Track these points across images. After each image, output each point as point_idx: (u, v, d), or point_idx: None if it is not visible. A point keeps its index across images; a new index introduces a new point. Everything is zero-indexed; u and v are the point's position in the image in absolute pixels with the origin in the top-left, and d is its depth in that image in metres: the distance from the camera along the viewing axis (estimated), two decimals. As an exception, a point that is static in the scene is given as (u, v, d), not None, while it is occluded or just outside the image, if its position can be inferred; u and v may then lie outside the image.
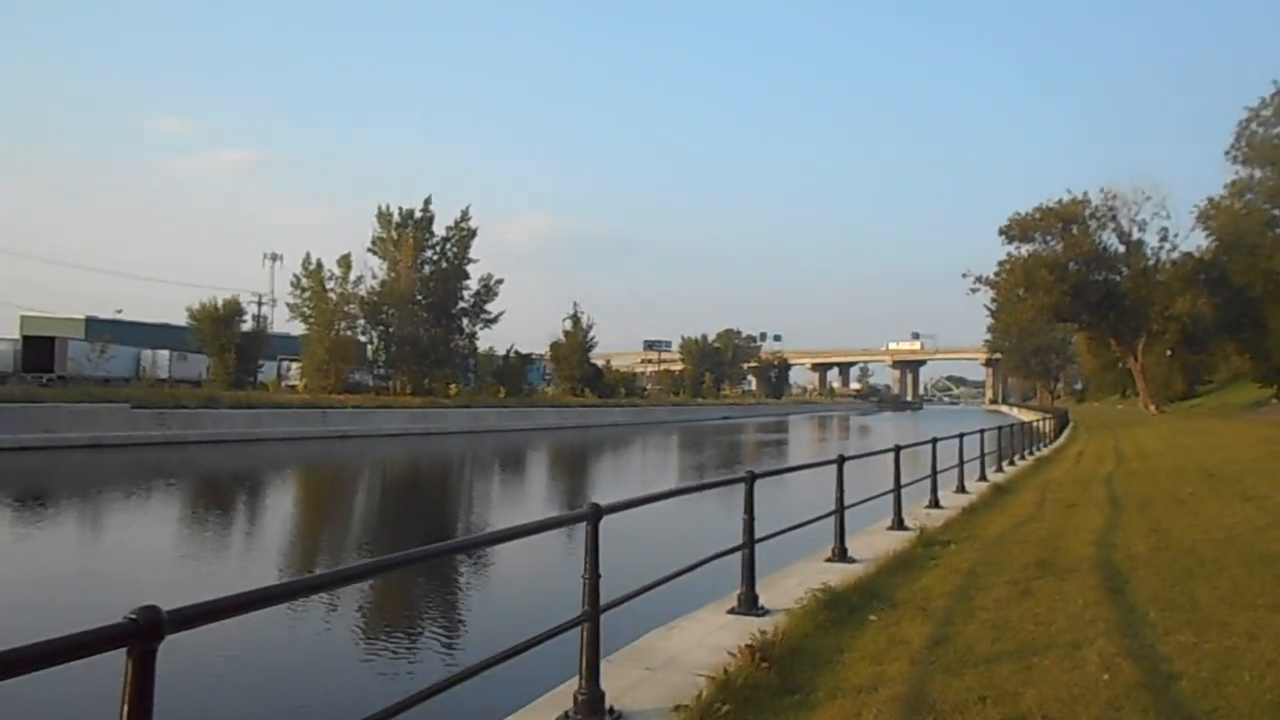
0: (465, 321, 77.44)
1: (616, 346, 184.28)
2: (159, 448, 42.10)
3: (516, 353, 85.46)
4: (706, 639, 6.96)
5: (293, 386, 69.90)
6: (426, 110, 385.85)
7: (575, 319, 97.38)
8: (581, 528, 5.03)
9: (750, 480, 7.84)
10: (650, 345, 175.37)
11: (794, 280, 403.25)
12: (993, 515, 14.42)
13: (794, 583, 9.06)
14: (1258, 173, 60.91)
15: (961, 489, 17.89)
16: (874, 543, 11.68)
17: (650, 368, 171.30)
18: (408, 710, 3.47)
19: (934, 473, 15.68)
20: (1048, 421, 45.91)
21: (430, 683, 3.76)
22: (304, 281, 68.13)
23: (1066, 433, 47.26)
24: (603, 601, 5.07)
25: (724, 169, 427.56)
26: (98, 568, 17.02)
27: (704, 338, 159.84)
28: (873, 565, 9.94)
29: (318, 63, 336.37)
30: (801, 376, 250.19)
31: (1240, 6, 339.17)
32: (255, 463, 40.10)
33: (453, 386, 75.79)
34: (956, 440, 18.52)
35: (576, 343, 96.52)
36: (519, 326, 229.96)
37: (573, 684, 5.17)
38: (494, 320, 78.13)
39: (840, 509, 10.41)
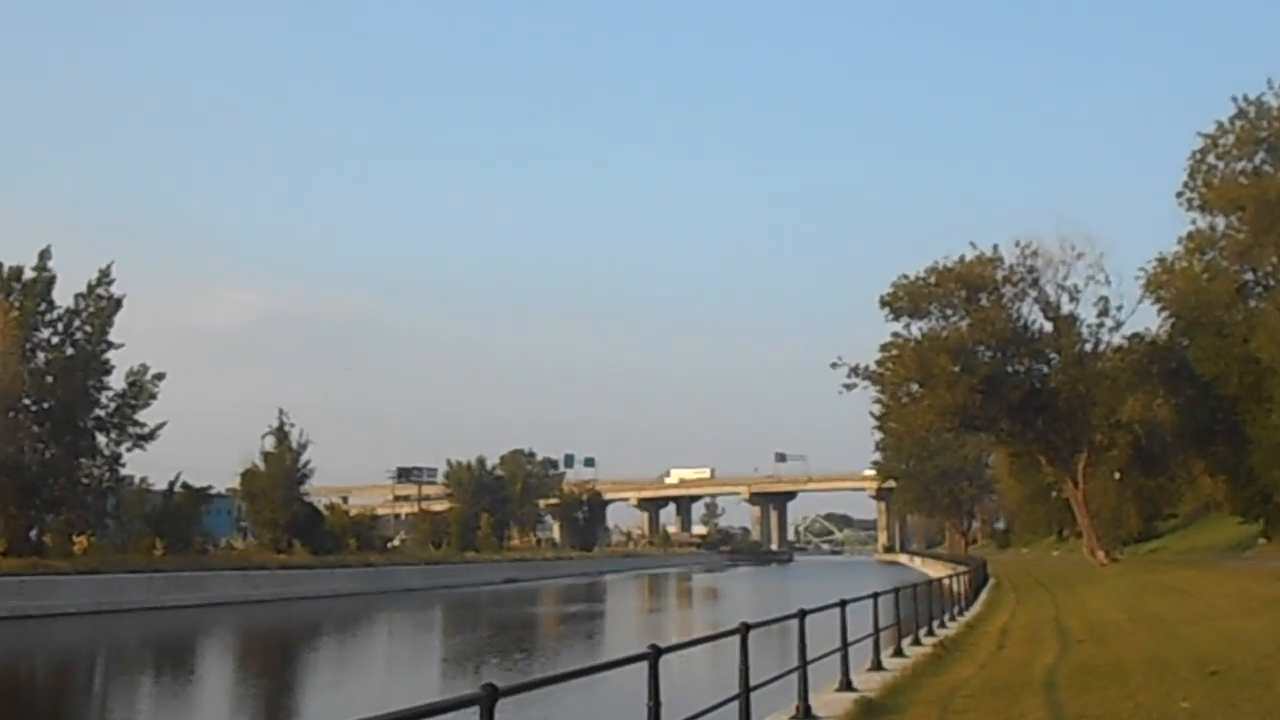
0: (102, 438, 71.95)
1: (361, 476, 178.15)
2: None
3: (185, 485, 79.60)
4: None
5: None
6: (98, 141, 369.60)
7: (281, 434, 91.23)
8: None
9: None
10: (405, 474, 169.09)
11: (613, 386, 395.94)
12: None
13: None
14: (1220, 221, 61.19)
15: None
16: None
17: (406, 507, 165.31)
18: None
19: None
20: (960, 579, 43.51)
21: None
22: None
23: (985, 594, 45.08)
24: None
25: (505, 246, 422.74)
26: None
27: (481, 463, 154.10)
28: None
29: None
30: (624, 516, 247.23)
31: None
32: None
33: (79, 539, 68.54)
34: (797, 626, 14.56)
35: (281, 471, 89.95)
36: (213, 451, 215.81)
37: None
38: (149, 436, 73.66)
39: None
